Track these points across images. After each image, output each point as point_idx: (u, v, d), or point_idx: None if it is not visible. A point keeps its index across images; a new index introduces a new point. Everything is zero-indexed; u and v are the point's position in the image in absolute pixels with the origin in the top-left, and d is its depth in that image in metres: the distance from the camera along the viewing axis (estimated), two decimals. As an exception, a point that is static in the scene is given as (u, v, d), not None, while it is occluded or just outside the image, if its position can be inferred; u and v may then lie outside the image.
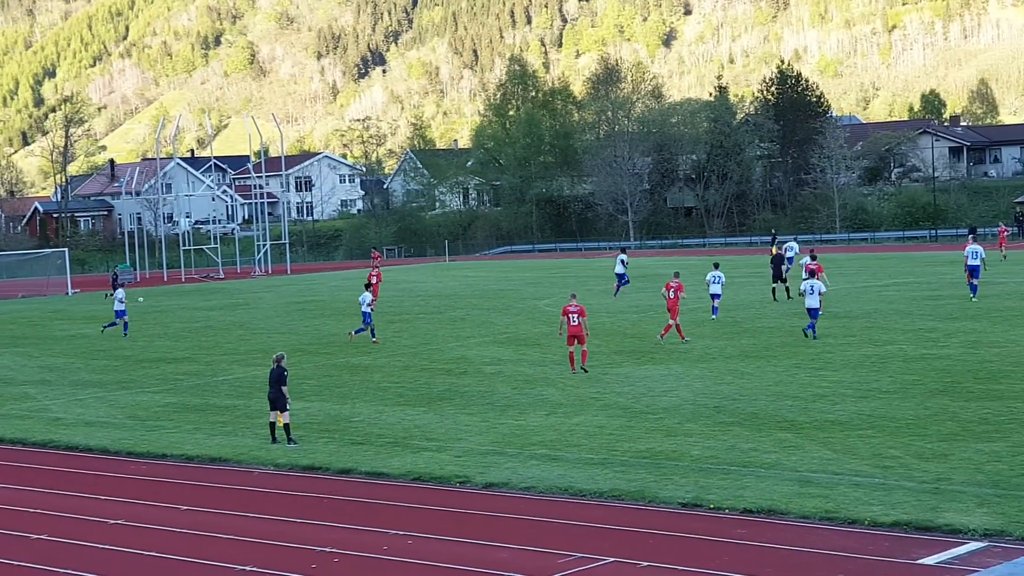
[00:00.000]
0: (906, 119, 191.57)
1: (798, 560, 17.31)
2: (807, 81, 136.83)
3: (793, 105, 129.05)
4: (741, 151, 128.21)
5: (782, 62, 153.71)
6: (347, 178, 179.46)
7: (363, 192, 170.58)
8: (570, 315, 34.98)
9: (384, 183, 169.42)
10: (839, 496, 20.21)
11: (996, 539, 17.57)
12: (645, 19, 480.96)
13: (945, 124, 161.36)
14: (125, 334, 52.92)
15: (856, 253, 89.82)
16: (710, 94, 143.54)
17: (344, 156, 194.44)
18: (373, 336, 45.91)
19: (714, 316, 46.50)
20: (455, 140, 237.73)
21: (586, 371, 34.90)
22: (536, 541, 18.88)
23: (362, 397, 33.30)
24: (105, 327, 54.34)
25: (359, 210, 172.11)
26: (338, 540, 19.61)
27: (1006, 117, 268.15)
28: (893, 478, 21.20)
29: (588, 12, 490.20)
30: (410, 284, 79.17)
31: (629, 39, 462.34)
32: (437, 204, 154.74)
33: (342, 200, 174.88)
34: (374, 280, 60.19)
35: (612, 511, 20.48)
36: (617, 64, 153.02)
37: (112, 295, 56.81)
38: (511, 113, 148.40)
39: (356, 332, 46.71)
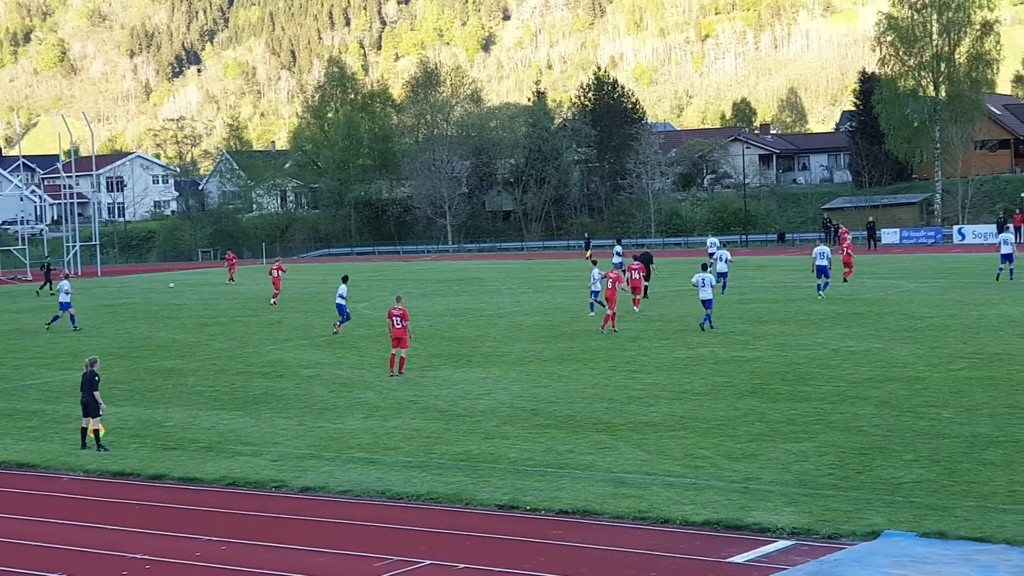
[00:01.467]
0: (718, 127, 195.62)
1: (612, 559, 17.51)
2: (623, 88, 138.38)
3: (609, 111, 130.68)
4: (559, 156, 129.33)
5: (599, 69, 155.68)
6: (161, 179, 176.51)
7: (177, 193, 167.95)
8: (394, 318, 34.99)
9: (199, 184, 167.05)
10: (652, 496, 20.50)
11: (803, 537, 17.96)
12: (464, 23, 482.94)
13: (755, 132, 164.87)
14: (75, 327, 52.41)
15: (670, 257, 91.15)
16: (528, 99, 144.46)
17: (157, 156, 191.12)
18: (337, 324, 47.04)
19: (592, 313, 47.79)
20: (272, 142, 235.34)
21: (401, 373, 34.94)
22: (353, 545, 18.79)
23: (175, 401, 32.77)
24: (49, 323, 53.28)
25: (173, 211, 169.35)
26: (150, 547, 19.26)
27: (815, 125, 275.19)
28: (704, 478, 21.58)
29: (407, 15, 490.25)
30: (226, 287, 78.25)
31: (448, 43, 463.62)
32: (254, 206, 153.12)
33: (155, 201, 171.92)
34: (274, 274, 62.07)
35: (429, 514, 20.48)
36: (436, 68, 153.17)
37: (46, 288, 55.40)
38: (329, 115, 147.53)
39: (339, 323, 47.11)
